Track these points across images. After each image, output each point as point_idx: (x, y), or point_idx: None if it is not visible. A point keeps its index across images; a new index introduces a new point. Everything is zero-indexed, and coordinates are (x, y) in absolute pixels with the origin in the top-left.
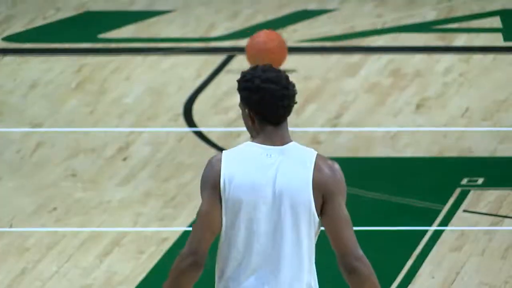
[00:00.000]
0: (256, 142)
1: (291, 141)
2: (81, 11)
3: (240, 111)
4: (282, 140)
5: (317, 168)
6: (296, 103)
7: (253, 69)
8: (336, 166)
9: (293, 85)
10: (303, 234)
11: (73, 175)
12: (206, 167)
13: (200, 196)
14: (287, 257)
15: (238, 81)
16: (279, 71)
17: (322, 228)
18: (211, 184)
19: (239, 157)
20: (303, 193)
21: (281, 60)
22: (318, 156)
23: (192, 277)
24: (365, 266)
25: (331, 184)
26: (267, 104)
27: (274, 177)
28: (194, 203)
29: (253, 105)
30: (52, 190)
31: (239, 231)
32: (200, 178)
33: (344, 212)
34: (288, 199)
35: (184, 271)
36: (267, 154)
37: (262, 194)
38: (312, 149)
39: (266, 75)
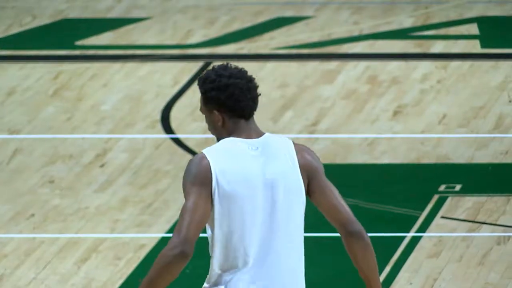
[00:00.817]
0: (235, 137)
1: (264, 132)
2: (58, 18)
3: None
4: (257, 133)
5: (298, 153)
6: (260, 95)
7: (212, 70)
8: (310, 149)
9: (254, 78)
10: (297, 219)
11: (51, 182)
12: (191, 165)
13: (182, 194)
14: (286, 245)
15: (201, 84)
16: (237, 66)
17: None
18: (201, 180)
19: (225, 152)
20: (294, 178)
21: None
22: (293, 143)
23: (178, 267)
24: (364, 229)
25: (314, 164)
26: (238, 99)
27: (264, 168)
28: (171, 210)
29: (224, 103)
30: (30, 197)
31: (235, 224)
32: (175, 183)
33: (332, 185)
34: (281, 186)
35: (172, 260)
36: (249, 147)
37: (256, 186)
38: (286, 137)
39: (229, 72)
